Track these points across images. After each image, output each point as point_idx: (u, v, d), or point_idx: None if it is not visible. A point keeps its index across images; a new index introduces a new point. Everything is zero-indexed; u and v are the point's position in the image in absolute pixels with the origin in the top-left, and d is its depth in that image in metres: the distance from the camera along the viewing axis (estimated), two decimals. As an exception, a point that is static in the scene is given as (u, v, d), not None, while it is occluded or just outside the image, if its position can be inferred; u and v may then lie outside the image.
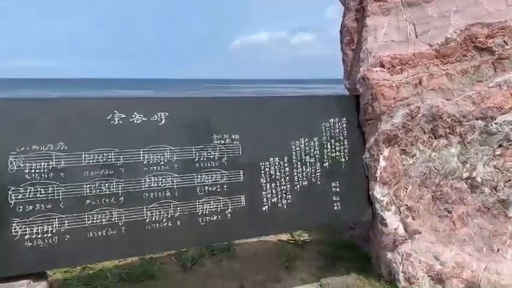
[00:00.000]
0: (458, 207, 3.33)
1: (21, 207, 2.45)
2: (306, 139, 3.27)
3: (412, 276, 3.32)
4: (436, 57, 3.22)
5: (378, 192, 3.37)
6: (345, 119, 3.41)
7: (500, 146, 3.15)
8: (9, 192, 2.43)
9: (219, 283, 3.59)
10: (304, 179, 3.25)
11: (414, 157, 3.30)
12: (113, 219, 2.66)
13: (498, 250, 3.26)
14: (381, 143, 3.30)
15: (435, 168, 3.30)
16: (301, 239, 4.54)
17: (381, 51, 3.30)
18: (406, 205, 3.36)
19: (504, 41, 3.10)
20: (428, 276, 3.31)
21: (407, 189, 3.36)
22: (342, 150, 3.39)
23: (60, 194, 2.54)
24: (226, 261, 3.98)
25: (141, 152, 2.76)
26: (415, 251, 3.36)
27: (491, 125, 3.12)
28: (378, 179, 3.34)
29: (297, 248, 4.34)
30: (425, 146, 3.28)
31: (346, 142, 3.40)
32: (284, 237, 4.56)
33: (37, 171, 2.50)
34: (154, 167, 2.79)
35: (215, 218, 2.93)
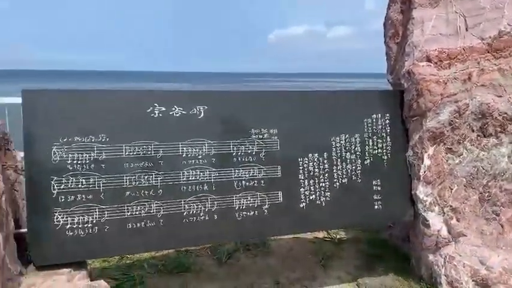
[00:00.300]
0: (507, 210, 3.16)
1: (63, 197, 2.49)
2: (347, 135, 3.17)
3: (455, 280, 3.18)
4: (488, 52, 3.05)
5: (421, 191, 3.23)
6: (388, 115, 3.29)
7: (556, 146, 2.96)
8: (52, 182, 2.48)
9: (254, 278, 3.56)
10: (344, 176, 3.16)
11: (461, 156, 3.15)
12: (151, 212, 2.67)
13: (550, 257, 3.07)
14: (425, 140, 3.16)
15: (483, 169, 3.14)
16: (338, 237, 4.45)
17: (427, 45, 3.16)
18: (451, 206, 3.22)
19: None
20: (473, 281, 3.16)
21: (452, 189, 3.21)
22: (384, 148, 3.28)
23: (101, 185, 2.57)
24: (261, 257, 3.95)
25: (180, 145, 2.75)
26: (459, 254, 3.21)
27: (547, 124, 2.93)
28: (422, 178, 3.21)
29: (334, 246, 4.25)
30: (473, 145, 3.12)
31: (388, 139, 3.29)
32: (320, 234, 4.48)
33: (79, 162, 2.53)
34: (193, 161, 2.77)
35: (252, 213, 2.90)
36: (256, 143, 2.93)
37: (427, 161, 3.18)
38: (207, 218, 2.79)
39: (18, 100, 2.90)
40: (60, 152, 2.50)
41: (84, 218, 2.53)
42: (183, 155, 2.76)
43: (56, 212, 2.48)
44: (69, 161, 2.51)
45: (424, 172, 3.20)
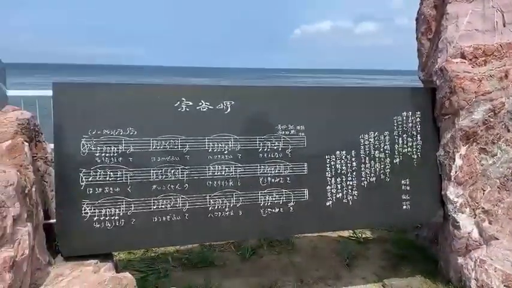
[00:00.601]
0: (542, 213, 3.03)
1: (91, 189, 2.52)
2: (376, 133, 3.10)
3: (485, 285, 3.07)
4: (527, 48, 2.92)
5: (452, 192, 3.14)
6: (419, 112, 3.20)
7: None
8: (81, 174, 2.51)
9: (278, 275, 3.54)
10: (372, 174, 3.10)
11: (495, 157, 3.04)
12: (177, 206, 2.67)
13: None
14: (457, 140, 3.06)
15: (518, 170, 3.02)
16: (363, 236, 4.38)
17: (462, 41, 3.05)
18: (483, 208, 3.11)
19: None
20: (505, 286, 3.04)
21: (484, 191, 3.10)
22: (414, 146, 3.19)
23: (128, 178, 2.59)
24: (285, 254, 3.92)
25: (206, 140, 2.74)
26: (491, 257, 3.10)
27: None
28: (453, 179, 3.11)
29: (359, 246, 4.19)
30: (509, 145, 3.00)
31: (419, 137, 3.20)
32: (345, 233, 4.42)
33: (107, 155, 2.56)
34: (219, 156, 2.77)
35: (277, 210, 2.87)
36: (282, 139, 2.90)
37: (458, 161, 3.08)
38: (231, 213, 2.78)
39: (47, 93, 2.95)
40: (89, 145, 2.53)
41: (111, 211, 2.55)
42: (209, 150, 2.75)
43: (84, 204, 2.51)
44: (97, 154, 2.54)
45: (456, 172, 3.10)
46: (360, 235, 4.36)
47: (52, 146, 2.63)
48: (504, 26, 3.00)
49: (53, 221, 2.57)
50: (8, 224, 2.01)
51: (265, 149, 2.86)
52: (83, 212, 2.51)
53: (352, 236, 4.36)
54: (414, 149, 3.20)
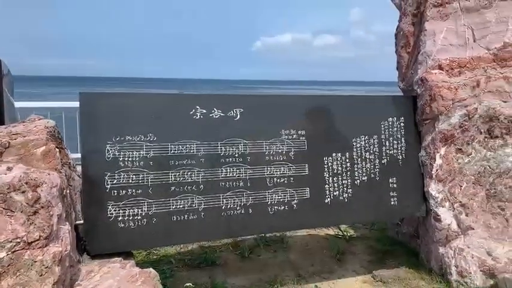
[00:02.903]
0: (511, 205, 3.45)
1: (115, 191, 2.71)
2: (366, 136, 3.45)
3: (464, 270, 3.45)
4: (494, 61, 3.36)
5: (433, 189, 3.52)
6: (402, 118, 3.58)
7: (555, 147, 3.28)
8: (106, 178, 2.69)
9: (277, 271, 3.79)
10: (364, 174, 3.43)
11: (470, 156, 3.45)
12: (193, 205, 2.89)
13: (550, 247, 3.38)
14: (437, 141, 3.45)
15: (490, 168, 3.44)
16: (348, 234, 4.72)
17: (439, 55, 3.46)
18: (460, 202, 3.51)
19: (562, 46, 3.22)
20: (481, 270, 3.43)
21: (461, 186, 3.50)
22: (399, 148, 3.56)
23: (149, 180, 2.79)
24: (280, 252, 4.19)
25: (219, 145, 2.99)
26: (468, 246, 3.49)
27: (548, 127, 3.25)
28: (434, 177, 3.50)
29: (345, 243, 4.51)
30: (481, 145, 3.42)
31: (403, 140, 3.57)
32: (331, 231, 4.75)
33: (130, 159, 2.76)
34: (230, 159, 3.02)
35: (282, 208, 3.15)
36: (286, 143, 3.19)
37: (439, 161, 3.47)
38: (242, 211, 3.03)
39: (58, 104, 3.12)
40: (113, 150, 2.72)
41: (134, 211, 2.75)
42: (221, 154, 3.00)
43: (109, 205, 2.69)
44: (121, 158, 2.74)
45: (436, 170, 3.49)
46: (346, 233, 4.70)
47: (69, 152, 2.80)
48: (474, 41, 3.43)
49: (81, 222, 2.73)
50: (54, 222, 2.18)
51: (271, 152, 3.14)
52: (108, 212, 2.69)
53: (338, 234, 4.69)
54: (399, 151, 3.57)
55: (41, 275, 2.10)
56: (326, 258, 4.10)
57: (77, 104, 3.89)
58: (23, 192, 2.12)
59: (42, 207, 2.15)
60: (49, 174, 2.25)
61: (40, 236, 2.11)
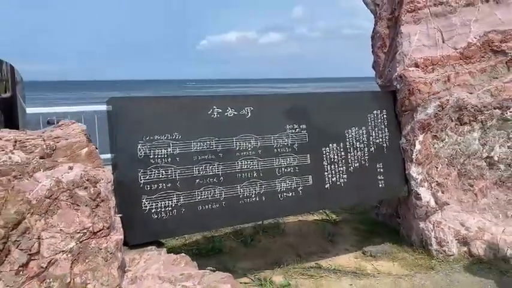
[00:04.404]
0: (479, 181, 4.04)
1: (148, 186, 2.99)
2: (356, 128, 3.90)
3: (442, 240, 4.00)
4: (460, 59, 3.92)
5: (414, 171, 4.04)
6: (385, 110, 4.07)
7: (513, 130, 3.89)
8: (139, 174, 2.96)
9: (279, 254, 4.18)
10: (356, 161, 3.88)
11: (444, 141, 3.99)
12: (216, 196, 3.22)
13: (511, 216, 3.99)
14: (416, 130, 3.97)
15: (460, 150, 4.00)
16: (333, 218, 5.18)
17: (415, 54, 3.98)
18: (437, 181, 4.05)
19: (515, 45, 3.83)
20: (456, 239, 4.00)
21: (437, 168, 4.04)
22: (383, 137, 4.04)
23: (177, 175, 3.08)
24: (278, 237, 4.58)
25: (234, 140, 3.33)
26: (445, 219, 4.05)
27: (506, 113, 3.85)
28: (414, 160, 4.01)
29: (333, 226, 4.97)
30: (453, 131, 3.97)
31: (386, 130, 4.06)
32: (318, 216, 5.19)
33: (159, 156, 3.04)
34: (244, 152, 3.36)
35: (290, 194, 3.53)
36: (290, 136, 3.57)
37: (418, 146, 3.99)
38: (257, 199, 3.38)
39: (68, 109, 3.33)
40: (144, 148, 2.99)
41: (165, 203, 3.03)
42: (237, 148, 3.33)
43: (143, 199, 2.97)
44: (151, 156, 3.01)
45: (416, 155, 4.00)
46: (331, 217, 5.16)
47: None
48: (443, 42, 3.97)
49: (120, 215, 2.97)
50: (112, 213, 2.45)
51: (278, 145, 3.51)
52: (143, 206, 2.96)
53: (325, 219, 5.14)
54: (384, 139, 4.05)
55: (106, 261, 2.36)
56: (319, 241, 4.54)
57: (82, 108, 4.09)
58: (85, 188, 2.36)
59: (103, 200, 2.40)
60: (104, 171, 2.51)
61: (104, 226, 2.36)
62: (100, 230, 2.36)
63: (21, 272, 2.13)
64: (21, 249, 2.15)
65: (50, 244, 2.22)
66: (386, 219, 4.94)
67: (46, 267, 2.19)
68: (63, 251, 2.24)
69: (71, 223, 2.28)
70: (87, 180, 2.39)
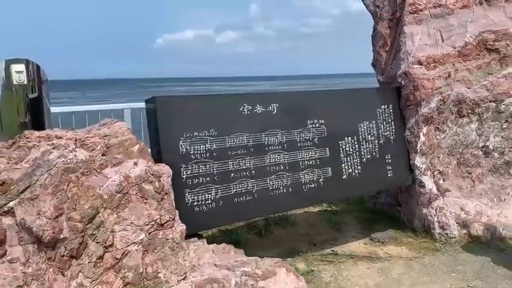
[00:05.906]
0: (476, 169, 4.41)
1: (190, 180, 3.12)
2: (367, 122, 4.17)
3: (445, 224, 4.33)
4: (459, 57, 4.26)
5: (418, 161, 4.36)
6: (391, 105, 4.36)
7: (506, 121, 4.29)
8: (181, 169, 3.09)
9: (293, 243, 4.39)
10: (368, 153, 4.15)
11: (445, 133, 4.33)
12: (248, 188, 3.39)
13: (504, 200, 4.40)
14: (420, 123, 4.28)
15: (459, 141, 4.36)
16: (335, 209, 5.46)
17: (418, 52, 4.29)
18: (439, 170, 4.39)
19: (507, 44, 4.22)
20: (457, 223, 4.35)
21: (439, 157, 4.38)
22: (390, 130, 4.34)
23: (214, 169, 3.23)
24: (289, 228, 4.79)
25: (263, 135, 3.50)
26: (446, 204, 4.39)
27: (501, 106, 4.24)
28: (418, 151, 4.33)
29: (336, 216, 5.24)
30: (453, 123, 4.32)
31: (393, 124, 4.35)
32: (320, 208, 5.45)
33: (198, 152, 3.17)
34: (272, 147, 3.55)
35: (313, 185, 3.75)
36: (311, 131, 3.79)
37: (422, 138, 4.30)
38: (284, 191, 3.58)
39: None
40: (185, 145, 3.12)
41: (205, 196, 3.18)
42: (265, 143, 3.52)
43: (186, 193, 3.10)
44: (192, 152, 3.15)
45: (420, 146, 4.32)
46: (333, 208, 5.44)
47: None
48: (443, 41, 4.30)
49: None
50: (173, 205, 2.58)
51: (301, 139, 3.72)
52: (186, 199, 3.09)
53: (327, 209, 5.41)
54: (391, 132, 4.35)
55: (173, 250, 2.49)
56: (328, 230, 4.79)
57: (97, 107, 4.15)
58: (151, 182, 2.49)
59: (166, 193, 2.53)
60: (164, 166, 2.63)
61: (169, 218, 2.50)
62: (166, 222, 2.49)
63: (98, 264, 2.24)
64: (98, 242, 2.26)
65: (122, 236, 2.33)
66: (385, 208, 5.25)
67: (120, 258, 2.31)
68: (134, 242, 2.36)
69: (140, 216, 2.40)
70: (152, 174, 2.51)
